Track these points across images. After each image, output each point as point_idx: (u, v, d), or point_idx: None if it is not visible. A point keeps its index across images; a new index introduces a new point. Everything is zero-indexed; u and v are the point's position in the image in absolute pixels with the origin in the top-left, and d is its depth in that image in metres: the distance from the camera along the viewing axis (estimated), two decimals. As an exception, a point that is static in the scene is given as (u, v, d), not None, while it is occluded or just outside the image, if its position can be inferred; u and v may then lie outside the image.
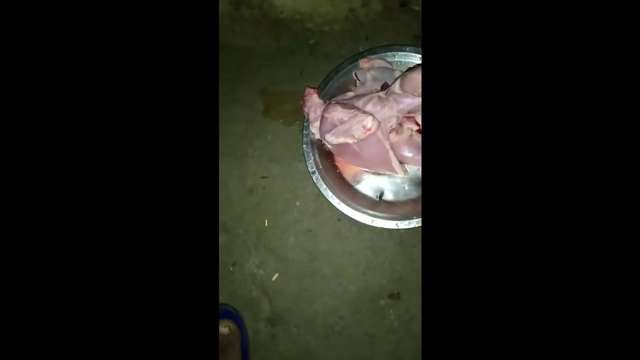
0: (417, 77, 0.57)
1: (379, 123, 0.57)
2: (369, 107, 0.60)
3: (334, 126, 0.60)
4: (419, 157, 0.63)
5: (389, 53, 0.67)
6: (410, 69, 0.62)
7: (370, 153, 0.61)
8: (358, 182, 0.68)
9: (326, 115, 0.61)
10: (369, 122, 0.56)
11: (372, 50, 0.67)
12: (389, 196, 0.67)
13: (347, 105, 0.61)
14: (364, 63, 0.66)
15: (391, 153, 0.62)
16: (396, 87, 0.60)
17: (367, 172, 0.67)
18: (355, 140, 0.58)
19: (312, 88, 0.65)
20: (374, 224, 0.62)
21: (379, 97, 0.62)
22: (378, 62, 0.67)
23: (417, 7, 0.72)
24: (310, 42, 0.72)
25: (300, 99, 0.65)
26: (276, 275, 0.67)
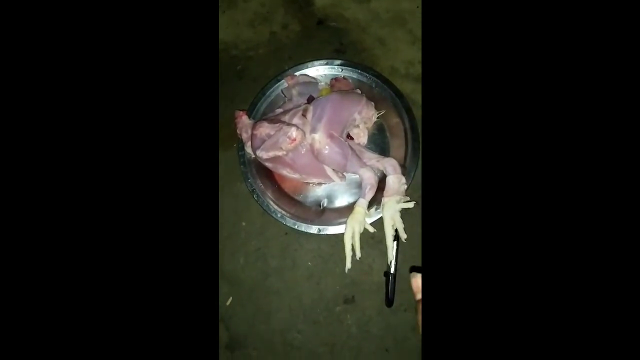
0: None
1: (304, 133, 0.59)
2: (295, 120, 0.62)
3: (263, 141, 0.61)
4: (349, 163, 0.65)
5: (311, 68, 0.71)
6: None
7: (303, 164, 0.63)
8: (300, 194, 0.69)
9: (255, 132, 0.62)
10: (293, 132, 0.58)
11: (295, 68, 0.70)
12: (332, 203, 0.69)
13: (274, 120, 0.63)
14: (288, 80, 0.69)
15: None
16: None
17: (308, 183, 0.68)
18: (284, 152, 0.60)
19: (241, 110, 0.68)
20: (320, 233, 0.63)
21: (304, 109, 0.64)
22: (302, 78, 0.70)
23: (334, 24, 0.76)
24: (238, 68, 0.75)
25: (232, 122, 0.67)
26: (230, 299, 0.66)
